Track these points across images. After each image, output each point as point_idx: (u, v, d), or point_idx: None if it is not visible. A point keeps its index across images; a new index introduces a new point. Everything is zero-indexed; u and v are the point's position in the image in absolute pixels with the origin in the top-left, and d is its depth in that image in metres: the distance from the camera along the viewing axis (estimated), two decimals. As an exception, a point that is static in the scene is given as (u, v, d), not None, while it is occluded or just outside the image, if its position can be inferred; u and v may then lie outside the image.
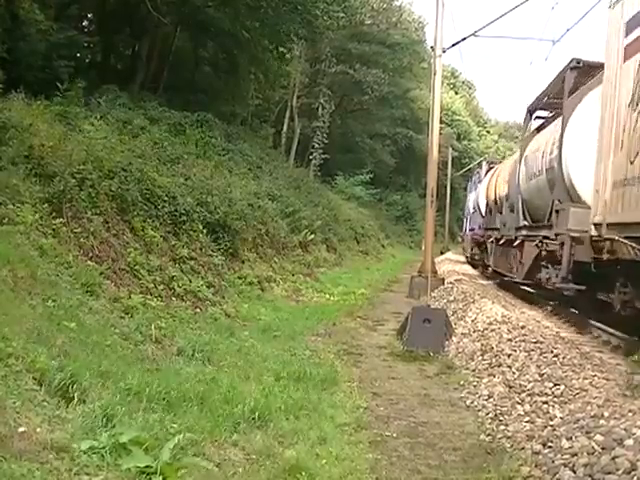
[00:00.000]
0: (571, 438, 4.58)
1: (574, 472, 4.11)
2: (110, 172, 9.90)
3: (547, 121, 14.81)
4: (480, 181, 28.07)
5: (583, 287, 10.05)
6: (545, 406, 5.66)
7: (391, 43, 37.95)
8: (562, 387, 6.04)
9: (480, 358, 8.03)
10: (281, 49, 25.50)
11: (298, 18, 22.00)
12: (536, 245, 12.43)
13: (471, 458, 4.85)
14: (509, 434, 5.22)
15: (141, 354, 6.45)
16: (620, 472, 3.90)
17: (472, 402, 6.36)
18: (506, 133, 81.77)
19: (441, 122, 25.89)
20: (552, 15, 79.38)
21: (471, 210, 30.45)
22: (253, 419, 5.04)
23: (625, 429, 4.39)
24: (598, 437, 4.39)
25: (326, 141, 35.77)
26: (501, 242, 17.99)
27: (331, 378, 6.79)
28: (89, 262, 8.07)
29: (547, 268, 11.90)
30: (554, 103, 14.28)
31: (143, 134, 14.97)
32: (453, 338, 9.53)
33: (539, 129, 15.30)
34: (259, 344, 8.12)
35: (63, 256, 7.60)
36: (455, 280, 17.64)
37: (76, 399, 4.44)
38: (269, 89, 29.92)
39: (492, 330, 9.44)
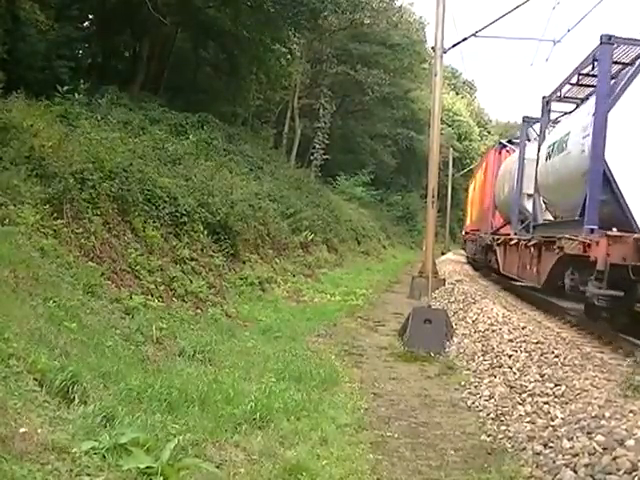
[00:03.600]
0: (572, 438, 4.59)
1: (575, 472, 4.12)
2: (111, 173, 9.90)
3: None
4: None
5: None
6: (546, 407, 5.66)
7: (392, 44, 37.91)
8: (563, 387, 6.04)
9: (481, 359, 8.03)
10: (283, 49, 25.53)
11: (299, 9, 21.88)
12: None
13: (472, 459, 4.85)
14: (510, 435, 5.23)
15: (142, 355, 6.45)
16: (621, 472, 3.92)
17: (473, 403, 6.36)
18: (507, 134, 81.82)
19: (442, 122, 25.95)
20: (553, 15, 79.25)
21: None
22: (254, 420, 5.04)
23: (626, 429, 4.40)
24: (599, 437, 4.40)
25: (327, 142, 35.78)
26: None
27: (332, 379, 6.80)
28: (90, 263, 8.07)
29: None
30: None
31: (144, 135, 14.98)
32: (454, 339, 9.53)
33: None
34: (260, 345, 8.14)
35: (64, 257, 7.61)
36: (456, 281, 17.65)
37: (77, 400, 4.44)
38: (270, 90, 29.93)
39: (493, 331, 9.45)
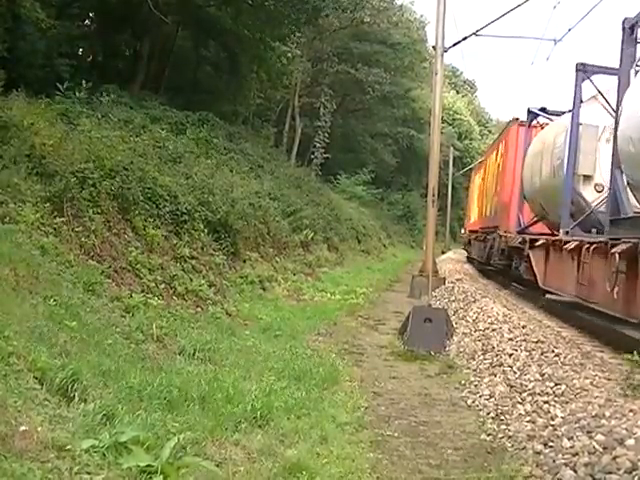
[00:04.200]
0: (572, 438, 4.59)
1: (575, 472, 4.12)
2: (111, 171, 9.90)
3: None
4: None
5: None
6: (546, 406, 5.66)
7: (392, 42, 37.94)
8: (563, 387, 6.05)
9: (481, 357, 8.03)
10: (284, 48, 25.51)
11: (300, 7, 21.84)
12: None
13: (472, 458, 4.85)
14: (510, 434, 5.22)
15: (142, 353, 6.45)
16: (621, 472, 3.91)
17: (473, 401, 6.36)
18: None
19: (442, 121, 25.83)
20: (554, 14, 79.19)
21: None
22: (254, 418, 5.04)
23: (626, 429, 4.40)
24: (599, 437, 4.40)
25: (327, 140, 35.80)
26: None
27: (332, 377, 6.80)
28: (90, 261, 8.07)
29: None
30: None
31: (144, 133, 14.95)
32: (454, 338, 9.53)
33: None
34: (260, 343, 8.13)
35: (64, 255, 7.60)
36: (456, 280, 17.66)
37: (77, 398, 4.44)
38: (271, 88, 29.91)
39: (493, 330, 9.46)
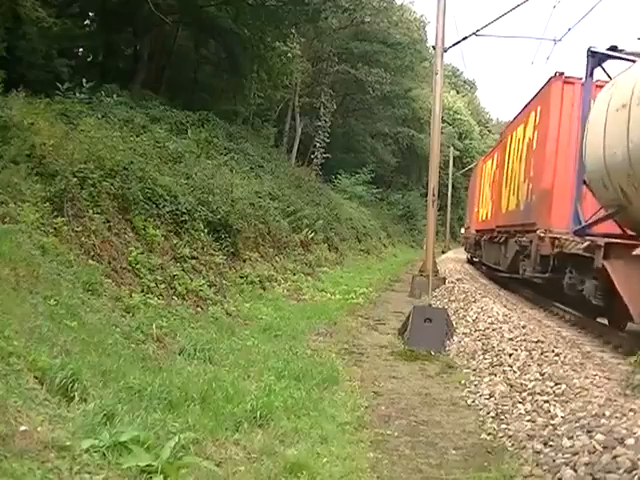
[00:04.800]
0: (572, 437, 4.59)
1: (575, 471, 4.12)
2: (111, 171, 9.91)
3: None
4: None
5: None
6: (546, 405, 5.66)
7: (392, 42, 37.92)
8: (563, 386, 6.04)
9: (481, 357, 8.03)
10: (284, 47, 25.52)
11: (301, 8, 21.83)
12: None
13: (472, 457, 4.85)
14: (510, 433, 5.22)
15: (142, 353, 6.45)
16: (621, 471, 3.91)
17: (473, 401, 6.36)
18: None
19: (442, 121, 25.80)
20: (554, 14, 79.07)
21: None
22: (254, 418, 5.04)
23: (626, 428, 4.41)
24: (599, 436, 4.40)
25: (328, 140, 35.80)
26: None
27: (332, 377, 6.79)
28: (90, 261, 8.07)
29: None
30: None
31: (145, 133, 14.95)
32: (454, 337, 9.53)
33: None
34: (260, 343, 8.13)
35: (64, 255, 7.60)
36: (456, 279, 17.67)
37: (77, 398, 4.44)
38: (271, 88, 29.91)
39: (493, 329, 9.46)
